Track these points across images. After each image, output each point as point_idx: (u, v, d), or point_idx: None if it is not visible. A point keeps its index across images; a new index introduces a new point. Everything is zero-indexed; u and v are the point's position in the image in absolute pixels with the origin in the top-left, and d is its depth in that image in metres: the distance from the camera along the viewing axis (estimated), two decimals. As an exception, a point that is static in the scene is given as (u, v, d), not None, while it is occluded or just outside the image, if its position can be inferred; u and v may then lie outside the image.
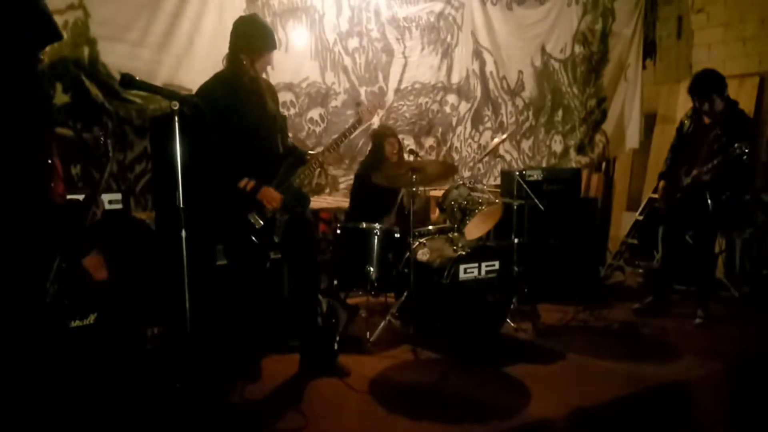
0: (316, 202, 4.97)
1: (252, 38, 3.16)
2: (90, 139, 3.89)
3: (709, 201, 4.28)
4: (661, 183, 4.66)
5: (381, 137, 4.51)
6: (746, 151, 4.04)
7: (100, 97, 3.90)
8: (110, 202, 3.50)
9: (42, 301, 2.20)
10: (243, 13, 4.33)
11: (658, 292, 4.75)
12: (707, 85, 4.31)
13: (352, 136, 3.73)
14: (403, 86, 5.28)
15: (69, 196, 2.58)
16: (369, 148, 4.75)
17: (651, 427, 2.99)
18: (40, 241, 2.20)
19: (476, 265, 3.91)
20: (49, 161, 2.32)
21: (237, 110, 3.12)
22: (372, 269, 4.04)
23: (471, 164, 5.76)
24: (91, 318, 3.04)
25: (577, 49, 6.25)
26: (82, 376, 2.74)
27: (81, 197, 2.66)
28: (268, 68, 3.39)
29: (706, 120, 4.39)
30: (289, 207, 3.27)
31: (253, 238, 3.17)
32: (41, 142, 2.29)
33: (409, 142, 5.34)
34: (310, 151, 3.52)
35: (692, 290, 4.68)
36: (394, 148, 4.50)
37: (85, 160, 3.84)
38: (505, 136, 5.05)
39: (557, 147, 6.31)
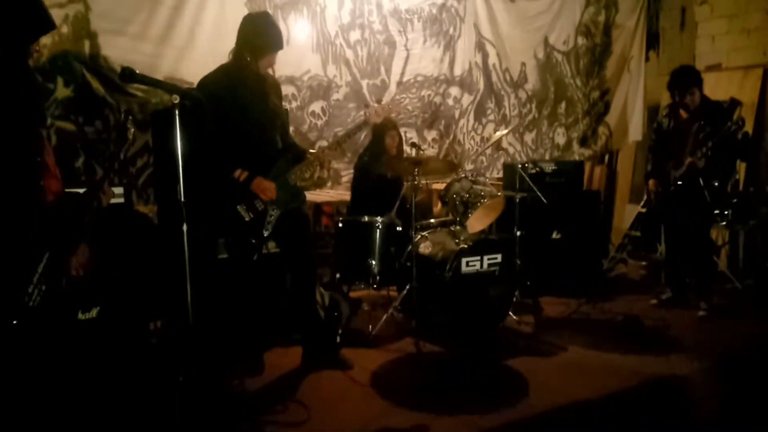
0: (319, 196, 4.97)
1: (257, 37, 3.15)
2: (92, 133, 3.89)
3: (705, 189, 4.31)
4: (651, 181, 4.67)
5: (382, 129, 4.49)
6: (741, 125, 4.17)
7: (101, 91, 3.90)
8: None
9: (23, 306, 2.18)
10: (244, 6, 4.32)
11: (674, 286, 4.73)
12: (689, 77, 4.39)
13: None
14: (405, 79, 5.26)
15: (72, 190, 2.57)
16: (368, 140, 4.72)
17: (652, 420, 2.99)
18: (23, 243, 2.18)
19: (478, 258, 3.91)
20: (39, 158, 2.30)
21: (237, 104, 3.11)
22: (374, 263, 4.04)
23: (474, 157, 5.75)
24: (94, 312, 3.06)
25: (580, 40, 6.21)
26: (86, 369, 2.75)
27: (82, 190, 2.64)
28: (270, 63, 3.38)
29: (684, 114, 4.45)
30: (281, 202, 3.26)
31: (242, 230, 3.17)
32: (30, 139, 2.27)
33: (411, 135, 5.32)
34: (311, 150, 3.51)
35: (693, 282, 4.67)
36: (394, 141, 4.48)
37: (87, 153, 3.83)
38: (507, 130, 5.03)
39: (560, 139, 6.28)
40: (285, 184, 3.28)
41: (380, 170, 4.04)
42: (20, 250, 2.18)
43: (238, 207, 3.17)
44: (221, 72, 3.20)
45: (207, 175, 3.05)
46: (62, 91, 3.79)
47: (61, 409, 2.51)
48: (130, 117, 2.71)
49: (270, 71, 3.33)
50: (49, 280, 2.25)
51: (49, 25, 2.45)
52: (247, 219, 3.18)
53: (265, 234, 3.26)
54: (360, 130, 3.56)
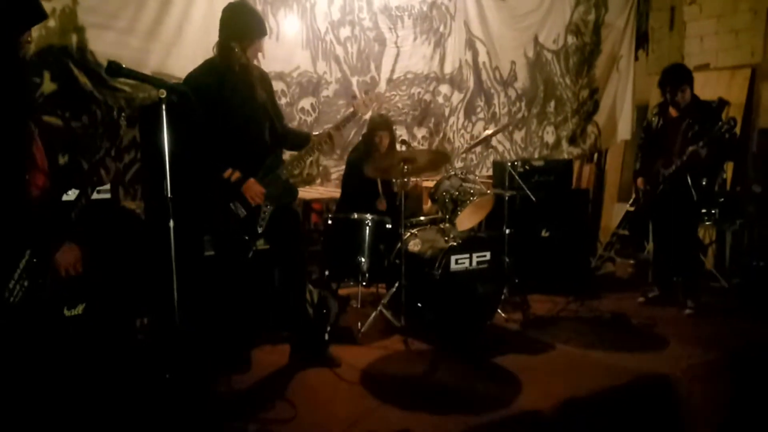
0: (308, 193, 4.95)
1: (242, 25, 3.13)
2: (79, 128, 3.85)
3: (692, 189, 4.33)
4: (640, 180, 4.70)
5: (373, 127, 4.49)
6: (733, 125, 4.17)
7: (88, 86, 3.85)
8: (99, 191, 3.45)
9: (3, 302, 2.15)
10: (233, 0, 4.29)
11: (662, 285, 4.77)
12: (680, 74, 4.41)
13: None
14: (395, 76, 5.25)
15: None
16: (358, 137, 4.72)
17: (640, 418, 3.01)
18: (4, 238, 2.15)
19: (467, 255, 3.91)
20: (25, 152, 2.27)
21: (225, 98, 3.09)
22: (363, 260, 4.04)
23: (463, 155, 5.75)
24: (80, 308, 3.03)
25: (570, 39, 6.23)
26: (71, 367, 2.72)
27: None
28: (260, 56, 3.36)
29: (674, 113, 4.47)
30: (275, 197, 3.24)
31: (236, 226, 3.15)
32: (16, 131, 2.24)
33: (401, 133, 5.32)
34: (315, 132, 3.48)
35: (680, 281, 4.70)
36: (383, 141, 4.48)
37: (73, 149, 3.79)
38: (496, 129, 5.05)
39: (549, 138, 6.30)
40: (277, 180, 3.25)
41: (370, 171, 4.03)
42: (0, 244, 2.15)
43: (231, 204, 3.14)
44: (207, 67, 3.18)
45: (196, 172, 3.02)
46: (49, 86, 3.74)
47: (46, 407, 2.48)
48: (123, 114, 2.68)
49: (255, 62, 3.30)
50: (32, 276, 2.22)
51: (40, 15, 2.42)
52: (241, 216, 3.16)
53: (260, 230, 3.24)
54: (349, 122, 3.53)
